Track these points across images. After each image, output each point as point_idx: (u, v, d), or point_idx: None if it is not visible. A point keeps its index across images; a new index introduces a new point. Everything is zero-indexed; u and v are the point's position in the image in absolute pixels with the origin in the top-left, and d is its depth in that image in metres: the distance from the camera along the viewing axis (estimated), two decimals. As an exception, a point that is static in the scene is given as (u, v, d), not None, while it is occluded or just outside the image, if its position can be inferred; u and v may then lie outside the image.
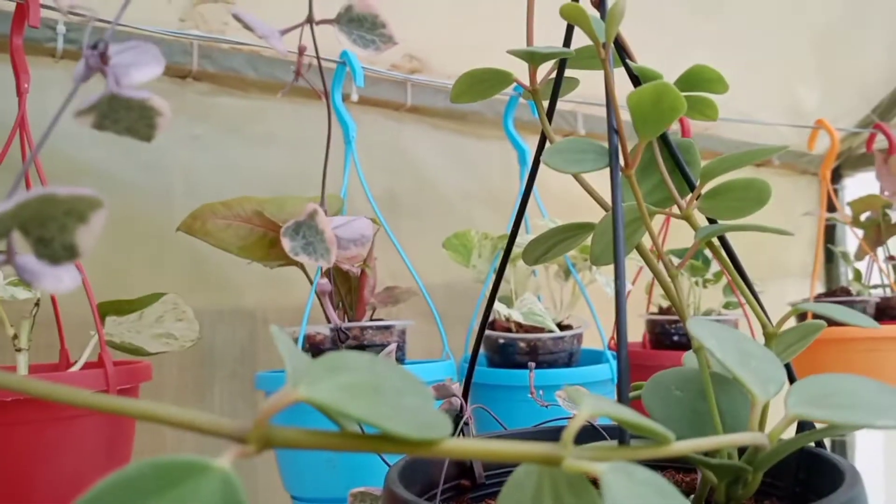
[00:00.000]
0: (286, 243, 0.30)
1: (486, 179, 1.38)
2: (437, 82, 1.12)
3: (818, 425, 0.33)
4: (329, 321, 0.41)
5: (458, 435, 0.41)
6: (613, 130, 0.31)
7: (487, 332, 0.88)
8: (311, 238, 0.30)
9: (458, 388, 0.41)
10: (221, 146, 1.09)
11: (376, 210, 0.82)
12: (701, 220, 0.35)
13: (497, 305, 0.85)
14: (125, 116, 0.22)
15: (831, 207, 1.36)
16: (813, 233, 1.79)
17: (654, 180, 0.35)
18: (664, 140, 0.36)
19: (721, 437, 0.23)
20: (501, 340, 0.86)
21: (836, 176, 1.99)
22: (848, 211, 1.38)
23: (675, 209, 0.35)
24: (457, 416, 0.41)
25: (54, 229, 0.19)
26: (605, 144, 0.32)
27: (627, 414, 0.20)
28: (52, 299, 0.69)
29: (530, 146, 1.05)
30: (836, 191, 1.94)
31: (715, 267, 1.03)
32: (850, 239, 1.80)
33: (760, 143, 1.67)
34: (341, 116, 0.82)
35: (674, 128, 1.11)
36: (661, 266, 0.36)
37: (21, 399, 0.54)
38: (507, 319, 0.86)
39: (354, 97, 1.16)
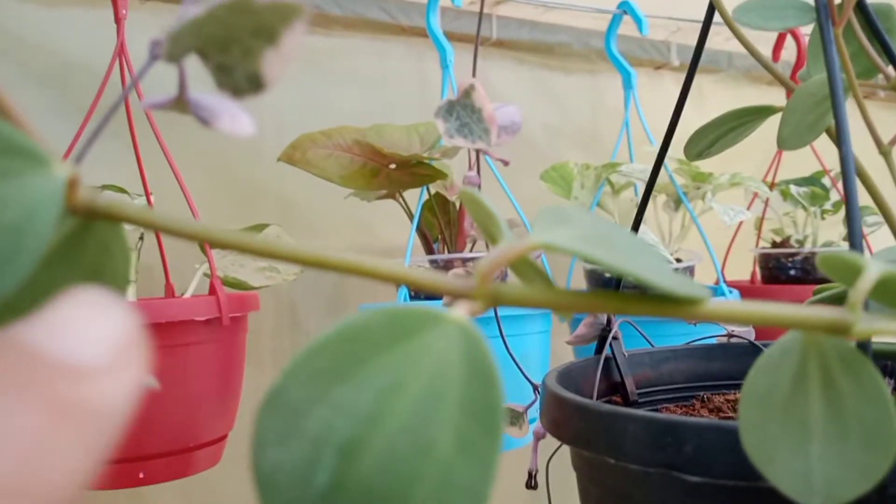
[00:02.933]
0: (440, 125, 0.27)
1: (574, 116, 1.32)
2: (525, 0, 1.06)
3: None
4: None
5: (607, 350, 0.37)
6: (820, -20, 0.26)
7: (592, 266, 0.83)
8: (467, 118, 0.27)
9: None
10: (306, 85, 1.07)
11: (476, 137, 0.78)
12: None
13: (603, 237, 0.80)
14: None
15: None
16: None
17: (851, 49, 0.30)
18: (861, 4, 0.31)
19: None
20: (608, 274, 0.82)
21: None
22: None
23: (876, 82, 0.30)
24: (603, 331, 0.38)
25: (237, 54, 0.17)
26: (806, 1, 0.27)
27: None
28: (157, 233, 0.69)
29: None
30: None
31: (835, 196, 0.95)
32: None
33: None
34: (437, 41, 0.78)
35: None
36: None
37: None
38: (613, 252, 0.82)
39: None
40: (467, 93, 0.27)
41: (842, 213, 0.97)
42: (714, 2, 0.32)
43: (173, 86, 0.20)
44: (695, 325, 0.44)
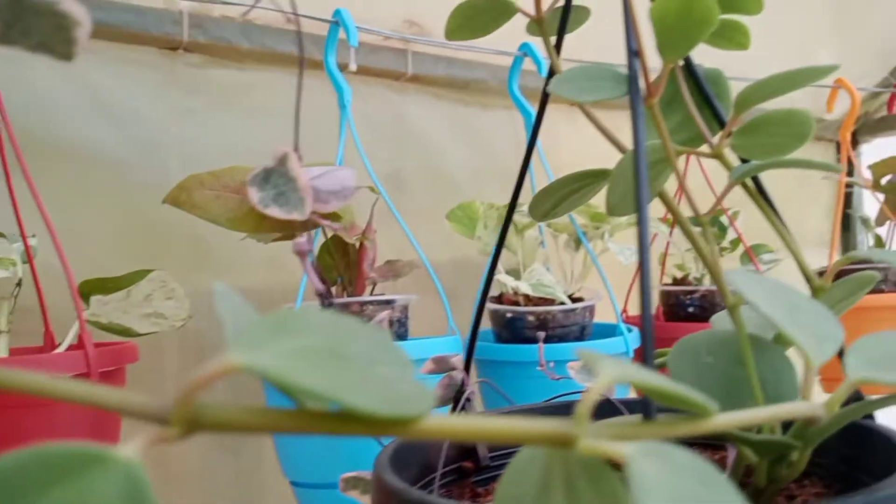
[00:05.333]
0: (253, 194, 0.26)
1: (493, 151, 1.33)
2: (435, 42, 1.07)
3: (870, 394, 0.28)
4: (317, 289, 0.37)
5: (460, 411, 0.37)
6: (633, 53, 0.26)
7: (495, 306, 0.83)
8: (283, 187, 0.26)
9: (459, 360, 0.37)
10: (217, 120, 1.04)
11: (374, 179, 0.78)
12: (734, 162, 0.31)
13: (504, 278, 0.81)
14: (35, 26, 0.18)
15: (850, 171, 1.30)
16: (830, 200, 1.73)
17: (679, 116, 0.31)
18: (689, 69, 0.31)
19: (772, 408, 0.19)
20: (509, 314, 0.82)
21: (853, 142, 1.93)
22: (868, 174, 1.33)
23: (704, 148, 0.30)
24: (458, 391, 0.37)
25: None
26: (623, 71, 0.27)
27: (658, 380, 0.16)
28: (35, 279, 0.66)
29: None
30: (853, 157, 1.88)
31: (731, 234, 0.98)
32: (868, 206, 1.75)
33: (774, 106, 1.61)
34: (335, 80, 0.78)
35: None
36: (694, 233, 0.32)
37: (-4, 383, 0.50)
38: (516, 292, 0.82)
39: (353, 66, 1.11)
40: (283, 161, 0.26)
41: (740, 250, 1.00)
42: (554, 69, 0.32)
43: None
44: (558, 380, 0.44)
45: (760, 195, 0.31)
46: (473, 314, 0.90)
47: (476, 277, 1.00)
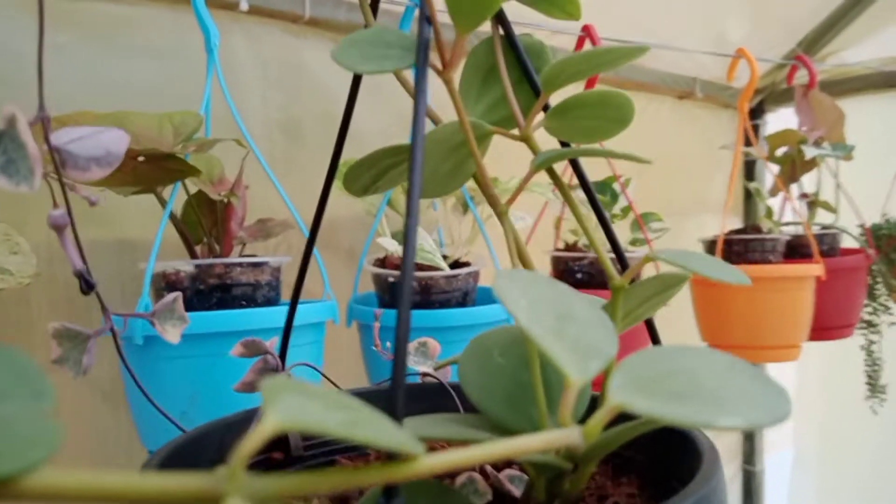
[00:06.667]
0: (-27, 159, 0.22)
1: (396, 105, 1.29)
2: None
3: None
4: (76, 268, 0.33)
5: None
6: (426, 19, 0.23)
7: (377, 270, 0.81)
8: (13, 154, 0.22)
9: (273, 343, 0.34)
10: (90, 57, 0.96)
11: (244, 131, 0.73)
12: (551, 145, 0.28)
13: (385, 241, 0.78)
14: None
15: (749, 142, 1.32)
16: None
17: (498, 93, 0.28)
18: (510, 41, 0.28)
19: (506, 442, 0.17)
20: (391, 279, 0.79)
21: (759, 111, 1.97)
22: (765, 146, 1.35)
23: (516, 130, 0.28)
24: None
25: None
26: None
27: (338, 421, 0.13)
28: None
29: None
30: (756, 126, 1.92)
31: (623, 202, 0.97)
32: (770, 175, 1.80)
33: (681, 73, 1.61)
34: (201, 20, 0.71)
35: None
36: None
37: None
38: (399, 256, 0.79)
39: (244, 6, 1.04)
40: (11, 122, 0.22)
41: (630, 217, 1.00)
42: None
43: None
44: (389, 360, 0.42)
45: (580, 179, 0.29)
46: (358, 280, 0.87)
47: (364, 237, 0.97)
